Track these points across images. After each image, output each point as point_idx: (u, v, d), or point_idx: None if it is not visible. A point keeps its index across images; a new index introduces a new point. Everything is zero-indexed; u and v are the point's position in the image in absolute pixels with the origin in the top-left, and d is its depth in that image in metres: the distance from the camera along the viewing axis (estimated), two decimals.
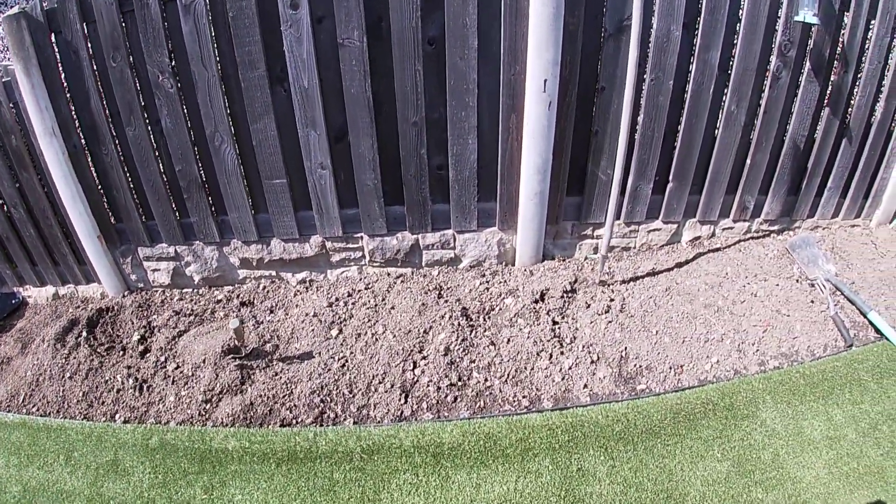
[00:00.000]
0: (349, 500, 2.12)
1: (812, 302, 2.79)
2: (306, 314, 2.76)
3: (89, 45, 2.59)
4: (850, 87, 2.91)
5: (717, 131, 2.85)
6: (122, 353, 2.72)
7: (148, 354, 2.69)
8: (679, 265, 2.95)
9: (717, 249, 3.04)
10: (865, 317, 2.75)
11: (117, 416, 2.53)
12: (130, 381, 2.60)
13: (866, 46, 2.88)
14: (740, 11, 2.67)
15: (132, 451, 2.39)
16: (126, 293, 3.03)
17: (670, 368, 2.52)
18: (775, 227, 3.16)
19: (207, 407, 2.48)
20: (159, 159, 2.75)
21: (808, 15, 2.64)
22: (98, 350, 2.71)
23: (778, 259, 2.98)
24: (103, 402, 2.57)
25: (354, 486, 2.16)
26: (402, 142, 2.65)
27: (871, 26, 2.85)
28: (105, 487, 2.29)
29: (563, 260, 3.01)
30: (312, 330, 2.68)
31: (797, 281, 2.87)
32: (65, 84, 2.65)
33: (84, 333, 2.76)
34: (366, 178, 2.71)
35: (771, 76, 2.79)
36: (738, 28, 2.69)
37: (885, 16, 2.82)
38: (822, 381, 2.49)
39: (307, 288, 2.97)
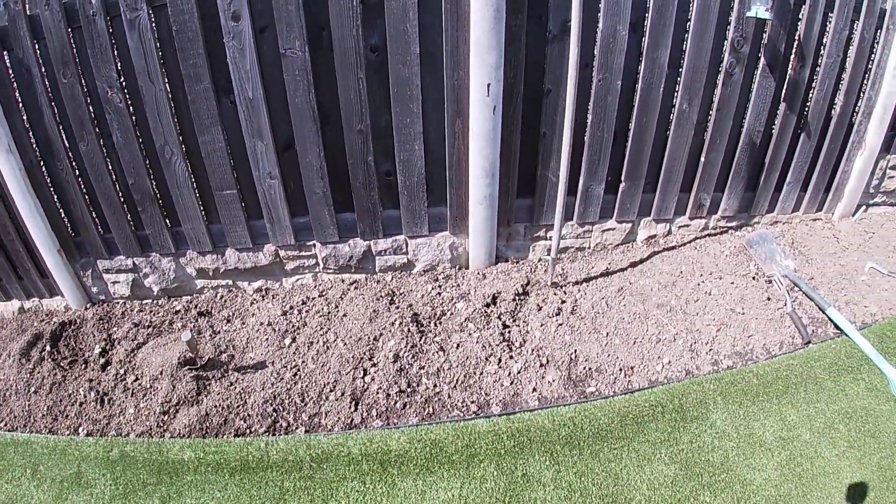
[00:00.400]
0: None
1: (768, 299, 2.81)
2: (261, 323, 2.82)
3: (41, 61, 2.63)
4: (807, 82, 2.92)
5: (669, 130, 2.86)
6: (84, 366, 2.79)
7: (109, 367, 2.76)
8: (633, 265, 2.99)
9: (673, 248, 3.06)
10: (824, 313, 2.77)
11: (80, 429, 2.61)
12: (92, 394, 2.67)
13: (824, 40, 2.88)
14: (690, 8, 2.67)
15: (94, 463, 2.47)
16: (88, 305, 3.10)
17: (620, 370, 2.56)
18: (734, 224, 3.18)
19: (165, 418, 2.55)
20: (112, 173, 2.80)
21: (760, 10, 2.64)
22: (61, 364, 2.79)
23: (734, 256, 3.00)
24: (67, 416, 2.65)
25: (304, 495, 2.23)
26: (349, 149, 2.69)
27: (829, 19, 2.84)
28: (69, 500, 2.37)
29: (517, 262, 3.05)
30: (267, 339, 2.74)
31: (753, 278, 2.89)
32: (19, 100, 2.70)
33: (48, 347, 2.84)
34: (315, 187, 2.75)
35: (724, 73, 2.80)
36: (688, 26, 2.69)
37: (842, 9, 2.82)
38: (776, 381, 2.52)
39: (263, 296, 3.03)
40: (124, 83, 2.63)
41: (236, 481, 2.31)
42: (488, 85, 2.52)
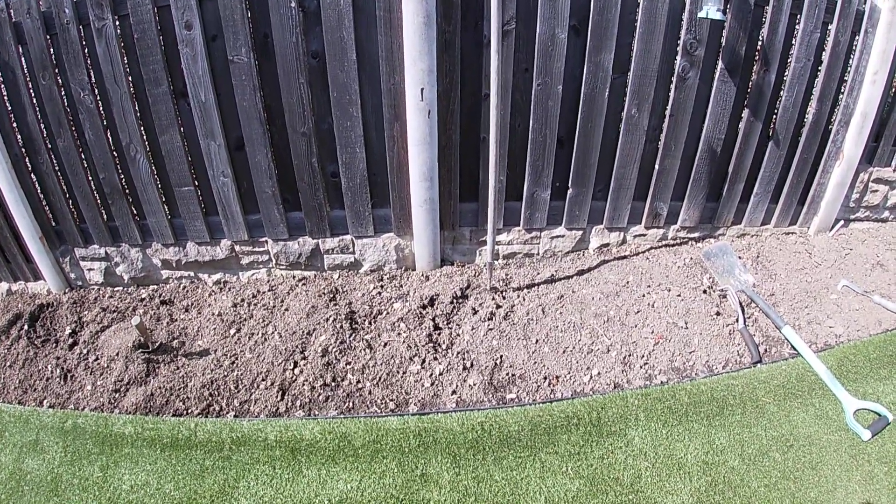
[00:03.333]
0: (213, 484, 2.52)
1: (717, 314, 2.89)
2: (213, 314, 3.18)
3: (24, 64, 3.10)
4: (773, 88, 2.96)
5: (619, 136, 2.98)
6: (54, 345, 3.26)
7: (75, 347, 3.22)
8: (581, 273, 3.13)
9: (624, 257, 3.18)
10: (780, 331, 2.82)
11: (45, 401, 3.06)
12: (58, 370, 3.13)
13: (792, 43, 2.91)
14: (637, 10, 2.79)
15: (51, 432, 2.91)
16: (67, 290, 3.59)
17: (545, 379, 2.72)
18: (695, 235, 3.25)
19: (116, 396, 2.96)
20: (86, 168, 3.25)
21: (711, 10, 2.72)
22: (35, 342, 3.27)
23: (688, 268, 3.08)
24: (35, 389, 3.11)
25: (219, 473, 2.55)
26: (294, 151, 3.00)
27: (797, 21, 2.88)
28: (25, 463, 2.81)
29: (463, 265, 3.26)
30: (215, 329, 3.10)
31: (704, 291, 2.97)
32: (5, 99, 3.19)
33: (26, 327, 3.33)
34: (264, 186, 3.09)
35: (676, 77, 2.90)
36: (635, 28, 2.80)
37: (812, 10, 2.85)
38: (709, 401, 2.57)
39: (221, 289, 3.41)
40: (95, 86, 3.06)
41: (165, 456, 2.67)
42: (422, 90, 2.76)
